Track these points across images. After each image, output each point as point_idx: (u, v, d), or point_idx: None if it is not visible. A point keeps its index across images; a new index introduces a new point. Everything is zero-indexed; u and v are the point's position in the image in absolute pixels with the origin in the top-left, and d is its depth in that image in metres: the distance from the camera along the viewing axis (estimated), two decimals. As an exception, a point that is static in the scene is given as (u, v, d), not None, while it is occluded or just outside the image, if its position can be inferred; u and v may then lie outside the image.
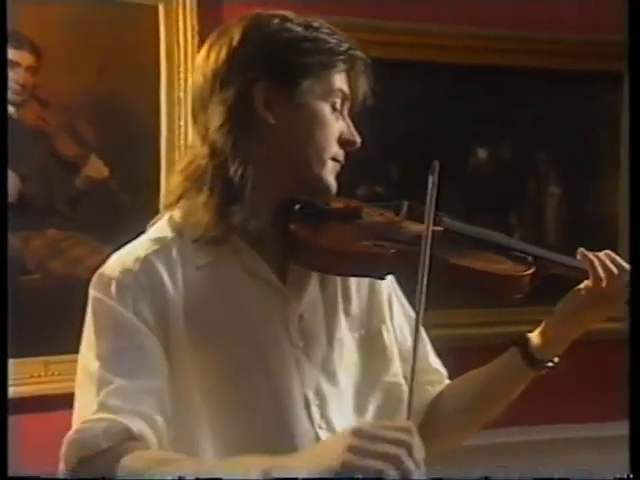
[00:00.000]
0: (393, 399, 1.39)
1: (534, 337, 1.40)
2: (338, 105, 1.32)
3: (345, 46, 1.31)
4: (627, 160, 2.66)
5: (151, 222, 1.36)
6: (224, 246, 1.29)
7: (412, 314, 1.47)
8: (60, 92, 2.28)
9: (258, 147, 1.28)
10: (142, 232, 1.35)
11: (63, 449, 1.16)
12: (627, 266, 1.35)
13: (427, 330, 1.39)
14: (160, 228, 1.33)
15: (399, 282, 1.48)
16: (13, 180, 2.21)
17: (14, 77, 2.22)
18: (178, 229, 1.31)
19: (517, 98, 2.74)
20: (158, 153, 2.36)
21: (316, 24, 1.31)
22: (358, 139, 1.34)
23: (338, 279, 1.38)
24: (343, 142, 1.33)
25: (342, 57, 1.30)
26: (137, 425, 1.15)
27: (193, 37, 2.36)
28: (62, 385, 2.14)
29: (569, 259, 1.38)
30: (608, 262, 1.34)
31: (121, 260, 1.28)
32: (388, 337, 1.43)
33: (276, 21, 1.30)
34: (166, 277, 1.26)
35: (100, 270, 1.28)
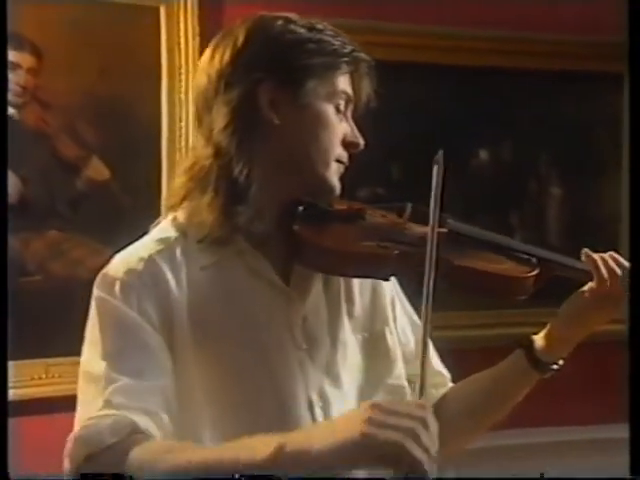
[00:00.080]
0: (396, 401, 1.39)
1: (539, 339, 1.40)
2: (342, 107, 1.32)
3: (349, 48, 1.31)
4: (628, 161, 2.66)
5: (154, 223, 1.35)
6: (228, 247, 1.29)
7: (415, 316, 1.47)
8: (61, 93, 2.28)
9: (263, 148, 1.28)
10: (143, 234, 1.34)
11: (68, 447, 1.15)
12: (631, 267, 1.35)
13: (428, 332, 1.39)
14: (164, 229, 1.32)
15: (401, 284, 1.48)
16: (14, 181, 2.21)
17: (15, 79, 2.22)
18: (182, 229, 1.30)
19: (519, 99, 2.74)
20: (159, 154, 2.37)
21: (320, 26, 1.31)
22: (361, 141, 1.34)
23: (341, 281, 1.38)
24: (347, 144, 1.33)
25: (346, 59, 1.30)
26: (143, 421, 1.15)
27: (194, 38, 2.36)
28: (63, 387, 2.14)
29: (573, 261, 1.38)
30: (612, 263, 1.34)
31: (125, 260, 1.28)
32: (391, 339, 1.42)
33: (280, 22, 1.30)
34: (170, 277, 1.26)
35: (104, 270, 1.28)
